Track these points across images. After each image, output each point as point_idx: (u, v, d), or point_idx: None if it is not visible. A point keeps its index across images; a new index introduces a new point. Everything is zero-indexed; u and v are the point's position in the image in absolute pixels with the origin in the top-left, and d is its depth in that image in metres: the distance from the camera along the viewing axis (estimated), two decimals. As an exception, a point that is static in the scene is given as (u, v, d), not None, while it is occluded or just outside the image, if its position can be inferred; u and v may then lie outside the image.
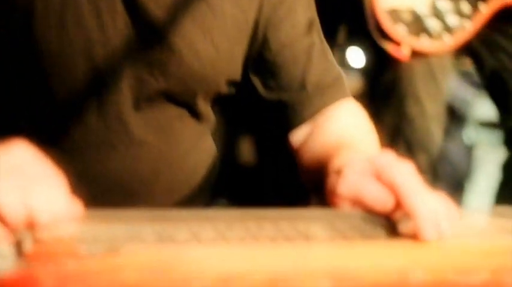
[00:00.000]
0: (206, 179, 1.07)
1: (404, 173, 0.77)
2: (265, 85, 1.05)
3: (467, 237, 0.75)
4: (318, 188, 0.89)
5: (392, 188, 0.76)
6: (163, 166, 1.02)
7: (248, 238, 0.71)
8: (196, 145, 1.06)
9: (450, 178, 2.43)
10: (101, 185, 0.99)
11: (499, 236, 0.77)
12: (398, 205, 0.76)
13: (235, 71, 1.04)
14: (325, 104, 1.04)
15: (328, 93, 1.05)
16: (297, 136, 1.05)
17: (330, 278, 0.66)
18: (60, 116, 0.98)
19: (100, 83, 0.97)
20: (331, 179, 0.84)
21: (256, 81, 1.04)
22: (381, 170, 0.78)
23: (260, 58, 1.04)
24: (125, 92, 0.98)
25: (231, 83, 1.04)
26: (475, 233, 0.77)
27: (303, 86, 1.04)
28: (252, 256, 0.68)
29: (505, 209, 0.84)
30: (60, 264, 0.64)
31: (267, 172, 1.48)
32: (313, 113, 1.04)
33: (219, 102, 1.07)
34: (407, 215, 0.74)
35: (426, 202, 0.75)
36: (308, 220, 0.75)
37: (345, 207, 0.80)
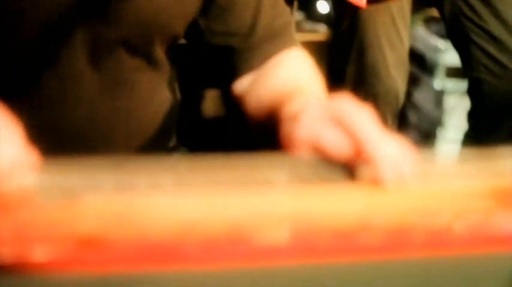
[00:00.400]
0: (164, 129, 1.06)
1: (363, 118, 0.76)
2: (214, 29, 1.03)
3: (430, 181, 0.75)
4: (269, 135, 0.88)
5: (350, 134, 0.75)
6: (121, 118, 1.01)
7: (208, 185, 0.70)
8: (154, 96, 1.05)
9: (420, 126, 2.44)
10: (58, 137, 0.97)
11: (463, 179, 0.76)
12: (357, 150, 0.75)
13: (190, 12, 1.02)
14: (275, 51, 1.03)
15: (278, 40, 1.03)
16: (241, 84, 1.04)
17: (290, 223, 0.65)
18: (15, 73, 0.96)
19: (53, 38, 0.94)
20: (286, 126, 0.83)
21: (204, 25, 1.03)
22: (339, 115, 0.77)
23: (210, 1, 1.02)
24: (79, 47, 0.95)
25: (188, 25, 1.02)
26: (439, 177, 0.77)
27: (253, 31, 1.02)
28: (212, 203, 0.67)
29: (470, 152, 0.84)
30: (17, 214, 0.63)
31: (230, 122, 1.47)
32: (262, 60, 1.03)
33: (175, 50, 1.05)
34: (367, 161, 0.74)
35: (385, 147, 0.74)
36: (268, 166, 0.74)
37: (302, 153, 0.79)
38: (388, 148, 0.74)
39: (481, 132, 2.08)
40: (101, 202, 0.65)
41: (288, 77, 1.00)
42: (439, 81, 2.59)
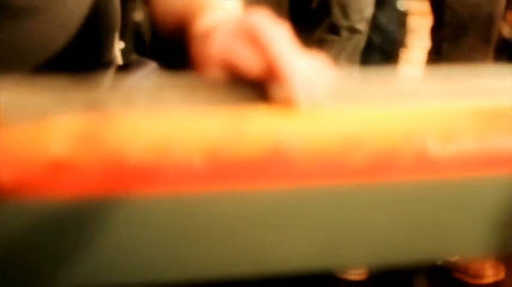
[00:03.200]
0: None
1: (276, 34, 0.73)
2: None
3: (400, 102, 0.73)
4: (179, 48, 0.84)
5: (262, 50, 0.72)
6: (55, 31, 0.96)
7: (183, 104, 0.68)
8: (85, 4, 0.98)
9: (384, 47, 2.42)
10: None
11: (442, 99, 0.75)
12: (269, 68, 0.72)
13: None
14: None
15: None
16: None
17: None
18: None
19: None
20: (198, 43, 0.79)
21: None
22: (252, 31, 0.74)
23: None
24: None
25: None
26: (412, 97, 0.75)
27: None
28: (187, 122, 0.65)
29: (437, 72, 0.82)
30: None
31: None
32: None
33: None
34: (280, 81, 0.70)
35: (297, 64, 0.70)
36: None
37: (214, 72, 0.76)
38: (301, 65, 0.71)
39: (444, 49, 2.08)
40: (71, 123, 0.63)
41: None
42: (402, 2, 2.57)
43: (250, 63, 0.73)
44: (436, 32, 2.13)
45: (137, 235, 0.59)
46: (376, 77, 0.79)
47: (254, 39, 0.73)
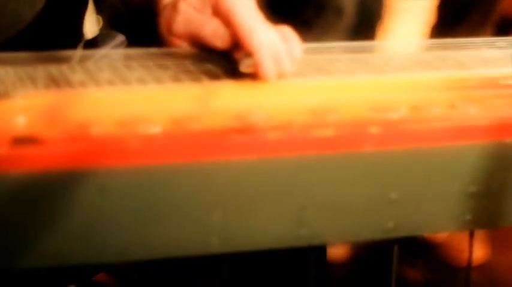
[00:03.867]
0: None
1: (242, 6, 0.72)
2: None
3: (384, 72, 0.73)
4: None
5: (228, 22, 0.72)
6: (22, 6, 0.94)
7: (147, 79, 0.67)
8: None
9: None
10: None
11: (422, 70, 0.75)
12: (236, 40, 0.71)
13: None
14: None
15: None
16: None
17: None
18: None
19: None
20: (165, 16, 0.78)
21: None
22: (217, 4, 0.73)
23: None
24: None
25: None
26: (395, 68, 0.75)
27: None
28: (152, 97, 0.65)
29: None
30: None
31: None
32: None
33: None
34: (248, 53, 0.70)
35: (263, 35, 0.70)
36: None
37: (182, 46, 0.76)
38: (268, 37, 0.70)
39: (446, 27, 2.07)
40: (35, 98, 0.62)
41: None
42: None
43: (216, 35, 0.73)
44: (439, 10, 2.12)
45: (101, 208, 0.59)
46: (349, 48, 0.78)
47: (220, 11, 0.73)
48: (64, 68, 0.68)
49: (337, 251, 1.99)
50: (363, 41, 0.80)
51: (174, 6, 0.77)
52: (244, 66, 0.70)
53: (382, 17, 2.55)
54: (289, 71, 0.70)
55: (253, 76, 0.70)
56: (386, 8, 2.54)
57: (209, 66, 0.72)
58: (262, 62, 0.69)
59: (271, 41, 0.70)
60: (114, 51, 0.74)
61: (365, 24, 2.44)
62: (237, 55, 0.72)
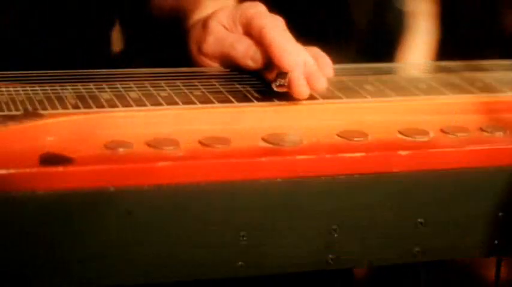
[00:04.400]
0: None
1: (274, 26, 0.72)
2: None
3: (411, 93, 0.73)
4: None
5: (262, 44, 0.71)
6: None
7: (176, 99, 0.67)
8: None
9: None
10: None
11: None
12: (270, 61, 0.71)
13: None
14: None
15: None
16: None
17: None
18: None
19: None
20: (195, 35, 0.78)
21: None
22: (249, 23, 0.73)
23: None
24: None
25: None
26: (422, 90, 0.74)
27: None
28: (180, 118, 0.65)
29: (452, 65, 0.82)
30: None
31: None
32: None
33: None
34: (280, 73, 0.70)
35: (298, 57, 0.70)
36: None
37: (212, 66, 0.76)
38: (301, 56, 0.70)
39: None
40: (64, 117, 0.62)
41: None
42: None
43: (248, 55, 0.73)
44: None
45: (129, 229, 0.59)
46: (377, 69, 0.78)
47: (252, 31, 0.73)
48: (92, 86, 0.68)
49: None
50: (389, 63, 0.80)
51: (204, 25, 0.77)
52: (277, 86, 0.69)
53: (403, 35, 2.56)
54: (323, 90, 0.70)
55: (284, 96, 0.69)
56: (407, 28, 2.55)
57: (237, 86, 0.72)
58: (296, 81, 0.68)
59: (304, 61, 0.70)
60: (142, 70, 0.73)
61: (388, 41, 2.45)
62: (269, 75, 0.71)
